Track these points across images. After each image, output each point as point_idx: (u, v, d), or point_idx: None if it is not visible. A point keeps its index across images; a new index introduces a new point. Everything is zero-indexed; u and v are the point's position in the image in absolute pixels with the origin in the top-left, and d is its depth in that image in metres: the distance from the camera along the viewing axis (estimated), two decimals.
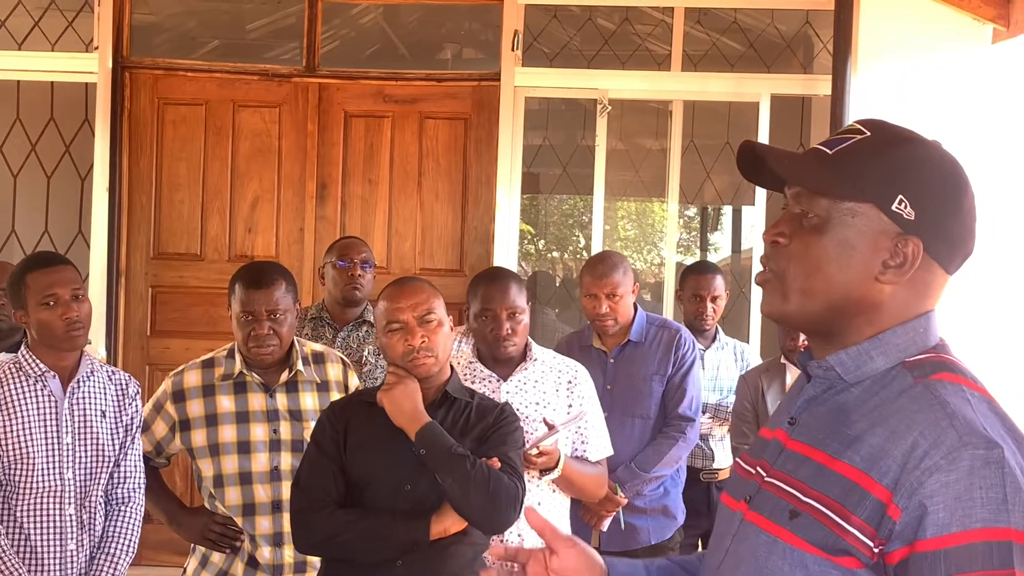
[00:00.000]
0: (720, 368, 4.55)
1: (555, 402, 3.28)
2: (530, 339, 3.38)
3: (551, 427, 3.11)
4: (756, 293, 5.83)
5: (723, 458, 4.47)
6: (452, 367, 2.90)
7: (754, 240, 5.95)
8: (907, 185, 1.40)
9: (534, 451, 3.06)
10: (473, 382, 3.24)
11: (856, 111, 5.31)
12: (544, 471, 3.17)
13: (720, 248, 8.39)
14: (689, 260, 5.85)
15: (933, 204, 1.41)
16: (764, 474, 1.48)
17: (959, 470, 1.26)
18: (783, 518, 1.40)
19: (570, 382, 3.33)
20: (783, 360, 4.19)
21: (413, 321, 2.72)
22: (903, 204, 1.40)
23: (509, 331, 3.23)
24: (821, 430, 1.43)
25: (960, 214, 1.43)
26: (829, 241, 1.43)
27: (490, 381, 3.28)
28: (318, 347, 3.41)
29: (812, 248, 1.44)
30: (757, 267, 5.78)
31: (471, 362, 3.32)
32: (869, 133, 1.45)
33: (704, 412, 4.13)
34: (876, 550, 1.31)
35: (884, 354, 1.43)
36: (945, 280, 1.45)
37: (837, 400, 1.44)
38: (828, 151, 1.45)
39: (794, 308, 1.46)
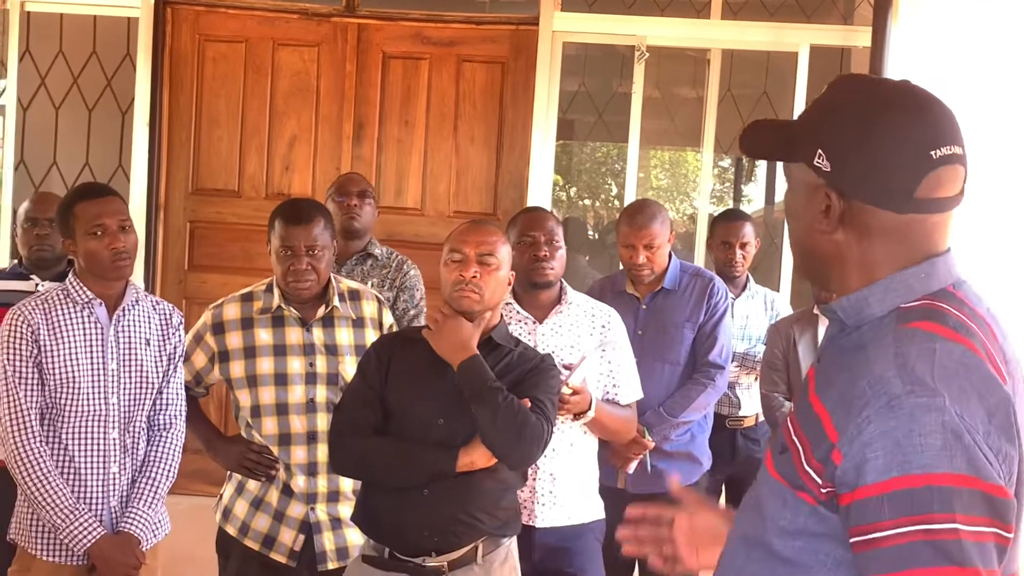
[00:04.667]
0: (749, 317, 4.58)
1: (589, 345, 3.34)
2: (565, 282, 3.43)
3: (569, 367, 3.20)
4: (788, 244, 5.82)
5: (749, 406, 4.51)
6: (501, 316, 2.97)
7: None
8: (823, 137, 1.45)
9: (567, 390, 3.12)
10: (509, 323, 3.29)
11: (895, 63, 5.28)
12: (578, 414, 3.24)
13: (753, 200, 8.36)
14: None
15: (844, 151, 1.43)
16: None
17: (899, 417, 1.28)
18: (776, 452, 1.47)
19: (604, 326, 3.39)
20: (816, 311, 4.21)
21: (473, 256, 2.80)
22: (821, 158, 1.45)
23: (547, 254, 3.29)
24: (824, 370, 1.49)
25: (868, 151, 1.42)
26: (790, 199, 1.54)
27: (526, 323, 3.34)
28: (354, 284, 3.47)
29: (786, 206, 1.56)
30: None
31: (507, 303, 3.36)
32: (824, 91, 1.52)
33: (732, 360, 4.16)
34: (824, 491, 1.35)
35: (880, 300, 1.44)
36: (902, 221, 1.42)
37: (841, 343, 1.49)
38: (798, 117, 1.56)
39: (797, 261, 1.58)
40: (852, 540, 1.32)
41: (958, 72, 5.19)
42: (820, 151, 1.44)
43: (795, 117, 1.58)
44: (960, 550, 1.24)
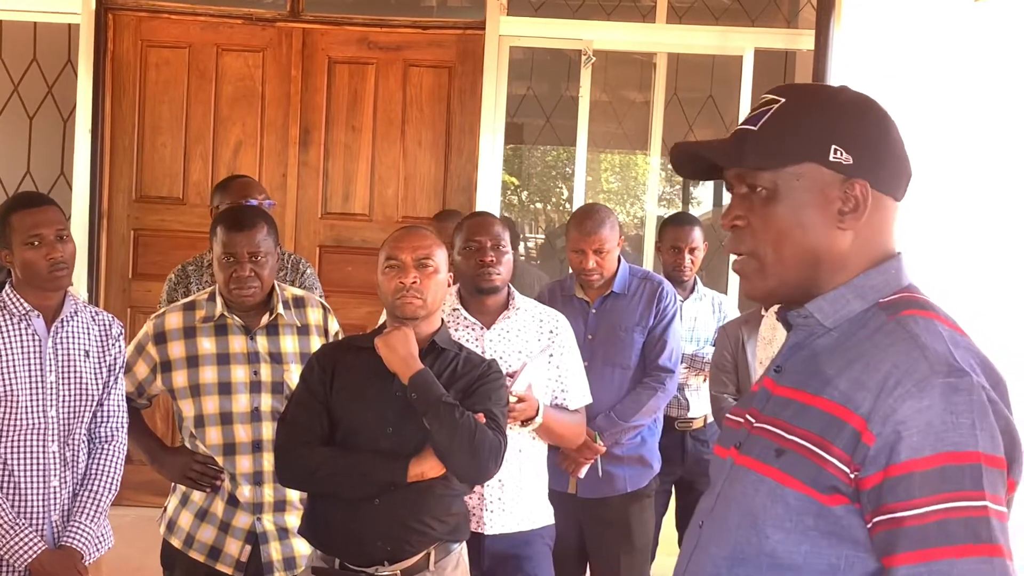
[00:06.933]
0: (698, 319, 4.60)
1: (537, 351, 3.33)
2: (513, 288, 3.42)
3: (512, 375, 3.18)
4: None
5: (698, 408, 4.53)
6: (443, 320, 2.96)
7: None
8: (836, 134, 1.47)
9: (512, 398, 3.11)
10: (456, 329, 3.28)
11: (839, 66, 5.33)
12: (525, 421, 3.23)
13: (702, 202, 8.40)
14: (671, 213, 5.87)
15: (865, 143, 1.48)
16: (753, 421, 1.54)
17: (931, 397, 1.33)
18: (770, 457, 1.46)
19: (552, 331, 3.38)
20: (763, 312, 4.23)
21: (410, 262, 2.79)
22: (838, 152, 1.46)
23: (493, 259, 3.28)
24: (803, 373, 1.49)
25: (890, 142, 1.50)
26: (784, 207, 1.48)
27: (473, 329, 3.32)
28: (298, 291, 3.44)
29: (771, 219, 1.49)
30: None
31: (455, 309, 3.35)
32: (784, 99, 1.52)
33: (681, 362, 4.18)
34: (852, 476, 1.36)
35: (860, 296, 1.48)
36: (895, 208, 1.51)
37: (818, 344, 1.50)
38: (753, 127, 1.51)
39: (775, 282, 1.52)
40: (877, 519, 1.35)
41: (900, 74, 5.25)
42: (835, 146, 1.45)
43: (743, 125, 1.53)
44: (988, 528, 1.30)
